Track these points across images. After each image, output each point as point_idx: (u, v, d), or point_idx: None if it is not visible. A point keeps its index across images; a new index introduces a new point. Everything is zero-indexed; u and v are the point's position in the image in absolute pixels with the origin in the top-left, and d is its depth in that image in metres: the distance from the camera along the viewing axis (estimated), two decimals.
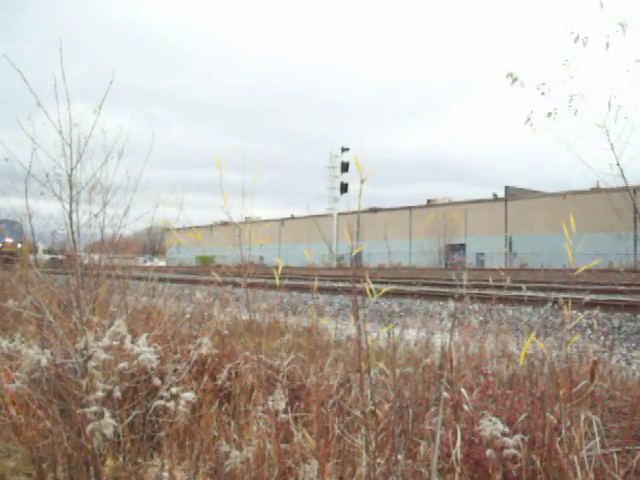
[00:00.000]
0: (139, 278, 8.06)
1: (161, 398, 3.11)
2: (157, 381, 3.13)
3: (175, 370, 3.68)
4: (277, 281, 3.07)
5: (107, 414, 2.73)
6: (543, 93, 5.69)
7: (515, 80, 5.67)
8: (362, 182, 2.55)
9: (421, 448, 3.10)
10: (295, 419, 3.45)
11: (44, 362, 2.97)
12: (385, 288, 2.70)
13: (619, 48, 4.72)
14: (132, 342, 3.03)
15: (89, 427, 2.74)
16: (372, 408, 3.01)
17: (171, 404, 3.00)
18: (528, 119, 5.88)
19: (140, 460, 3.39)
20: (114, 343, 3.01)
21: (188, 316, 5.77)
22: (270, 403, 3.08)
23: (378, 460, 2.78)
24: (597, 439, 2.96)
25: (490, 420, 2.55)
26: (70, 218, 3.54)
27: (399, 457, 2.84)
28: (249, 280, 3.38)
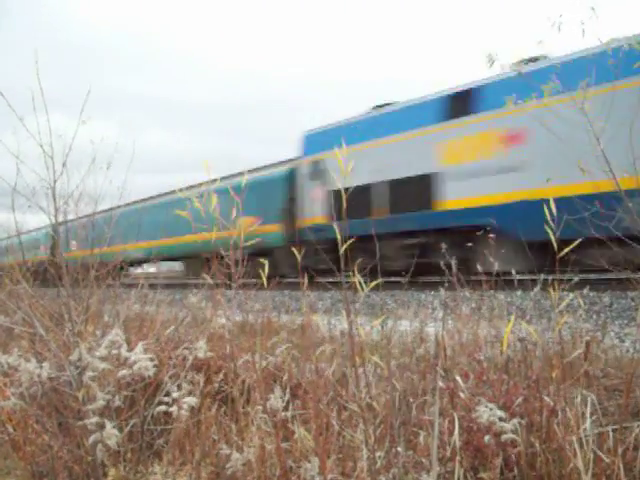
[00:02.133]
0: (130, 286, 8.04)
1: (161, 404, 3.10)
2: (171, 387, 3.12)
3: (172, 376, 3.68)
4: (264, 280, 3.08)
5: (109, 425, 2.72)
6: (520, 74, 5.69)
7: (493, 62, 5.63)
8: (344, 176, 2.56)
9: (420, 438, 3.12)
10: (293, 417, 3.45)
11: (44, 375, 2.96)
12: (374, 282, 2.70)
13: (593, 32, 4.73)
14: (128, 351, 3.02)
15: (91, 439, 2.73)
16: (369, 401, 3.02)
17: (174, 409, 2.99)
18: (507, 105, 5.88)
19: (141, 468, 3.39)
20: (112, 352, 3.00)
21: (181, 321, 5.76)
22: (268, 403, 3.08)
23: (378, 453, 2.79)
24: (594, 417, 2.99)
25: (487, 406, 2.56)
26: (56, 230, 3.52)
27: (399, 449, 2.85)
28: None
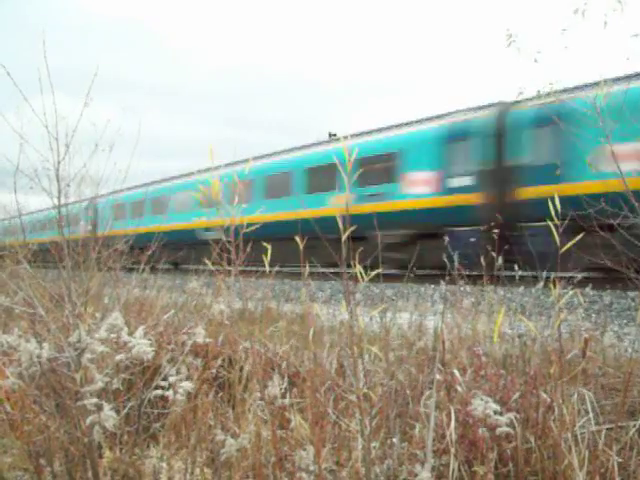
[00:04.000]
0: (130, 270, 8.05)
1: (159, 388, 3.11)
2: (169, 369, 3.11)
3: (170, 361, 3.68)
4: (267, 268, 3.05)
5: (107, 406, 2.73)
6: (536, 60, 5.67)
7: (512, 42, 5.59)
8: (349, 172, 2.54)
9: (416, 431, 3.12)
10: (290, 405, 3.46)
11: (45, 355, 2.96)
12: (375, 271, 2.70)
13: (617, 24, 4.69)
14: (128, 334, 3.02)
15: (88, 420, 2.73)
16: (366, 392, 3.02)
17: (170, 392, 2.99)
18: (520, 92, 5.89)
19: (137, 451, 3.40)
20: (111, 336, 3.00)
21: (181, 306, 5.77)
22: (266, 390, 3.09)
23: (373, 444, 2.80)
24: (590, 415, 2.99)
25: (482, 399, 2.56)
26: (59, 211, 3.52)
27: (394, 440, 2.86)
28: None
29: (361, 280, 2.60)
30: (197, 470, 3.20)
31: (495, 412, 2.53)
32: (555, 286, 2.94)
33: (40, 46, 3.26)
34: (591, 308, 8.68)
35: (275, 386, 3.03)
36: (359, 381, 2.72)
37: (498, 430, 2.52)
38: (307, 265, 3.56)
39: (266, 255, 3.02)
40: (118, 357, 2.94)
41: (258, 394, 3.41)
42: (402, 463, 2.87)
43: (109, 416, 2.68)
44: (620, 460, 2.80)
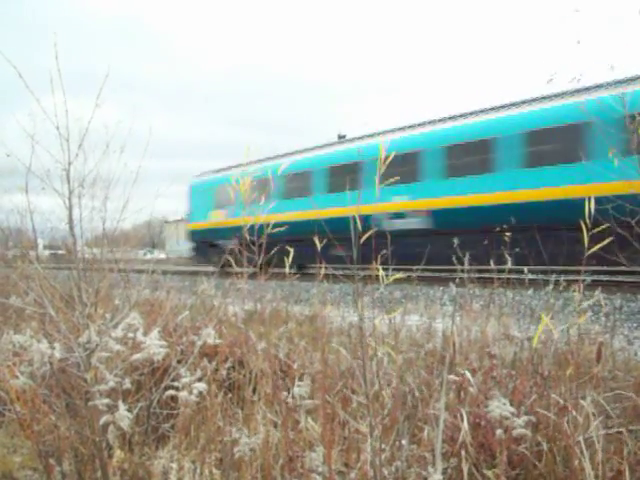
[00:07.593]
0: (140, 271, 8.08)
1: (169, 388, 3.11)
2: (183, 372, 3.11)
3: (179, 361, 3.69)
4: (287, 269, 3.07)
5: (122, 406, 2.73)
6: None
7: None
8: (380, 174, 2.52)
9: (425, 433, 3.11)
10: (299, 406, 3.46)
11: (57, 355, 2.97)
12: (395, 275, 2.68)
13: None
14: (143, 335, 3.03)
15: (102, 419, 2.73)
16: (376, 391, 3.02)
17: (184, 394, 2.99)
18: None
19: (147, 451, 3.40)
20: (129, 335, 3.01)
21: (190, 307, 5.78)
22: (277, 391, 3.09)
23: (382, 446, 2.79)
24: (601, 419, 2.98)
25: (499, 400, 2.55)
26: (69, 213, 3.53)
27: (403, 442, 2.85)
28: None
29: (380, 282, 2.60)
30: (206, 471, 3.20)
31: (512, 414, 2.51)
32: (577, 290, 2.92)
33: (34, 45, 3.28)
34: (600, 311, 8.66)
35: (299, 387, 3.03)
36: (369, 383, 2.71)
37: (514, 432, 2.50)
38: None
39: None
40: (135, 357, 2.95)
41: (270, 394, 3.41)
42: (411, 465, 2.86)
43: (124, 416, 2.68)
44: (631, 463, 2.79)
